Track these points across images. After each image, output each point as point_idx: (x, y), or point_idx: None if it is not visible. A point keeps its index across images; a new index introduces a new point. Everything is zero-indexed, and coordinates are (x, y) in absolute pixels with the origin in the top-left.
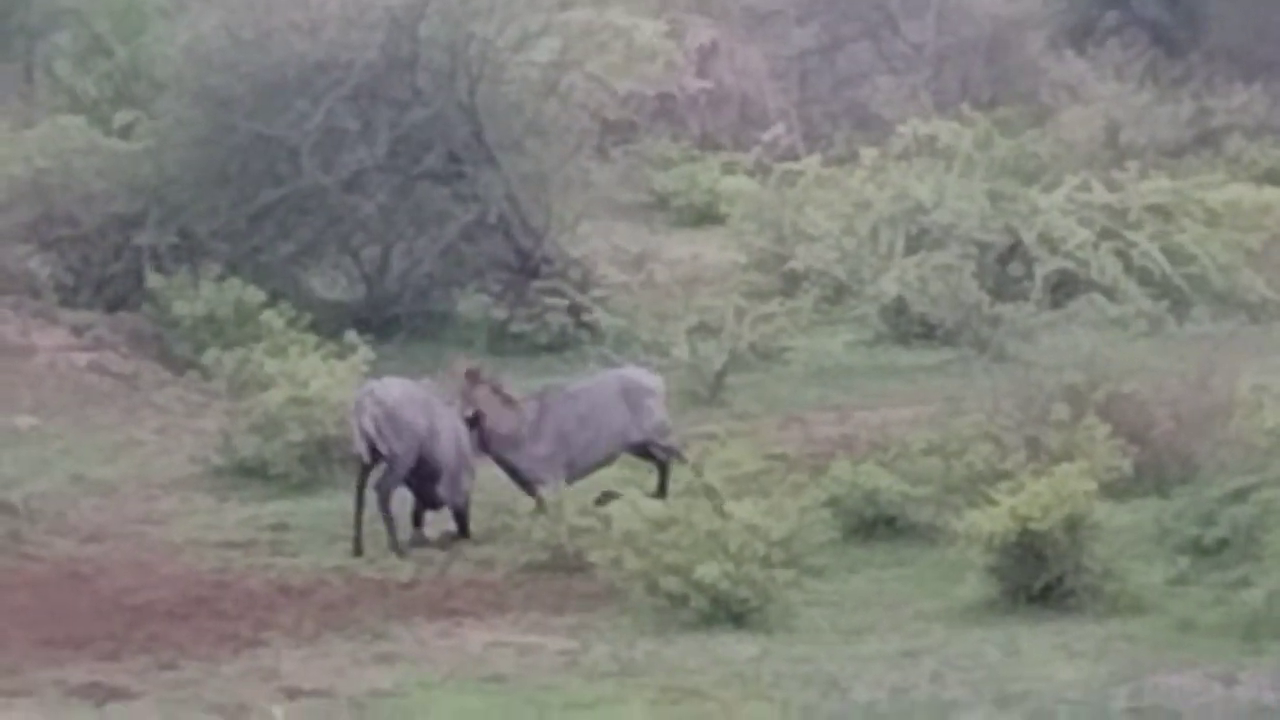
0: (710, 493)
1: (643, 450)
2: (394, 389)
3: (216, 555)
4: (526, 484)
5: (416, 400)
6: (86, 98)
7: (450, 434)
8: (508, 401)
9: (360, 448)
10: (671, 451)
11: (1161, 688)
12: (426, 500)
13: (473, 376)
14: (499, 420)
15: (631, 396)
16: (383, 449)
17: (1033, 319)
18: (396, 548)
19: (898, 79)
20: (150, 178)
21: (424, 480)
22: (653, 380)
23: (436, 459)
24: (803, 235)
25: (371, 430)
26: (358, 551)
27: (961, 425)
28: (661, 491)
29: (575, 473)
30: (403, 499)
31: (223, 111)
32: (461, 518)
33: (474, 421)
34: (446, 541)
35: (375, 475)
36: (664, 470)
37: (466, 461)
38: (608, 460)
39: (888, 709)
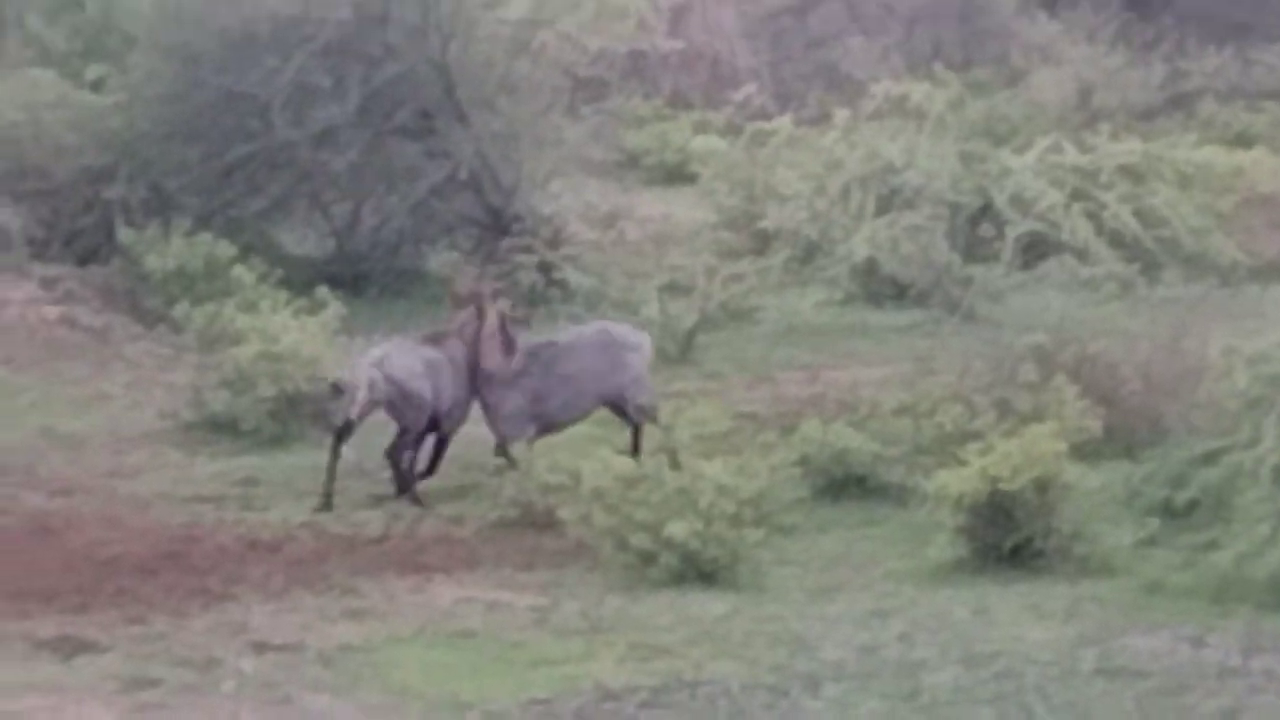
0: (671, 457)
1: (619, 407)
2: (403, 363)
3: (186, 510)
4: (497, 431)
5: (421, 368)
6: (57, 51)
7: (449, 389)
8: (507, 344)
9: (354, 413)
10: (644, 411)
11: (1130, 649)
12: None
13: (482, 302)
14: (489, 358)
15: (612, 351)
16: (397, 421)
17: (1003, 280)
18: (416, 499)
19: (870, 39)
20: (121, 132)
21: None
22: (636, 337)
23: (441, 414)
24: (774, 195)
25: (384, 405)
26: (327, 506)
27: (932, 386)
28: (635, 451)
29: (548, 428)
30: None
31: (193, 67)
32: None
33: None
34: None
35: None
36: (636, 430)
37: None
38: (583, 415)
39: (856, 668)
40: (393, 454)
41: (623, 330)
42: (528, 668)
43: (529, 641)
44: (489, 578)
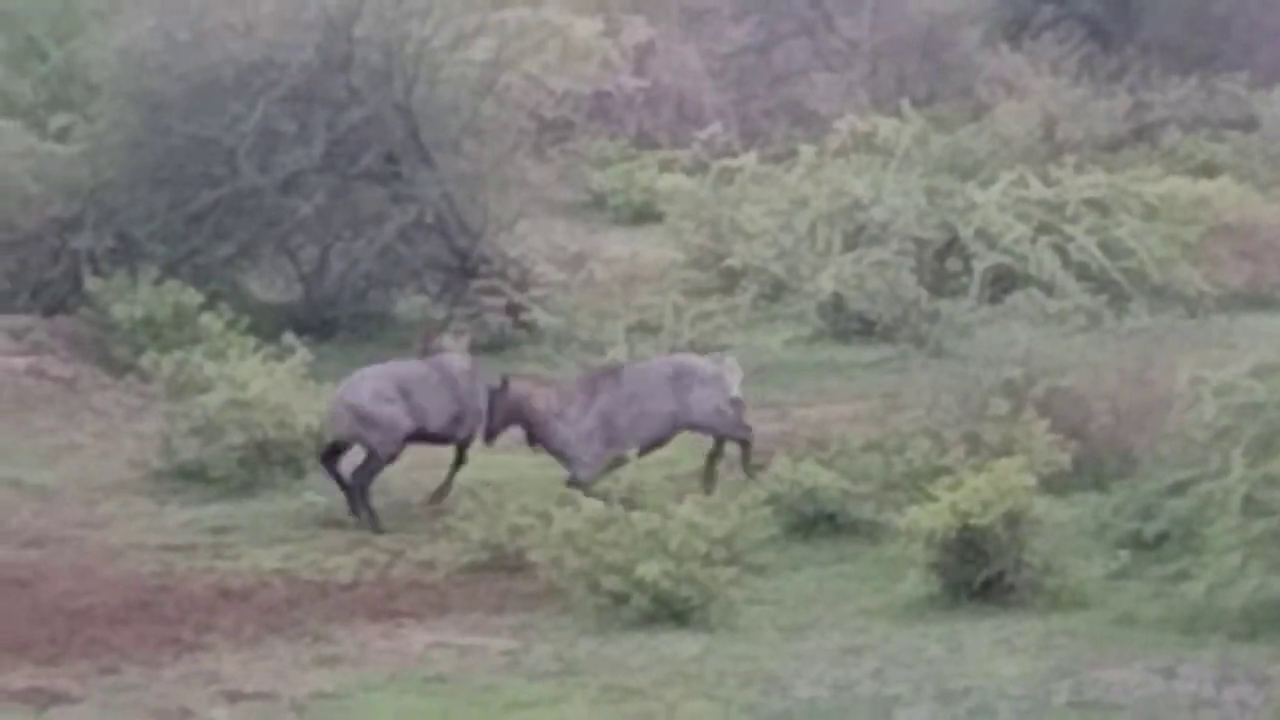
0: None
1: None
2: (364, 388)
3: (157, 559)
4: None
5: (392, 391)
6: (22, 101)
7: (439, 403)
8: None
9: (328, 438)
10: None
11: (1102, 682)
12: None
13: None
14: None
15: (682, 381)
16: (364, 447)
17: (971, 314)
18: (377, 527)
19: (834, 76)
20: (87, 181)
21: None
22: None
23: (435, 432)
24: (740, 232)
25: (345, 435)
26: (376, 529)
27: (900, 421)
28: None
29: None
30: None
31: (158, 114)
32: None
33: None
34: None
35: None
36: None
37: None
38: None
39: (830, 706)
40: (356, 477)
41: (689, 361)
42: (501, 712)
43: (501, 685)
44: (460, 622)
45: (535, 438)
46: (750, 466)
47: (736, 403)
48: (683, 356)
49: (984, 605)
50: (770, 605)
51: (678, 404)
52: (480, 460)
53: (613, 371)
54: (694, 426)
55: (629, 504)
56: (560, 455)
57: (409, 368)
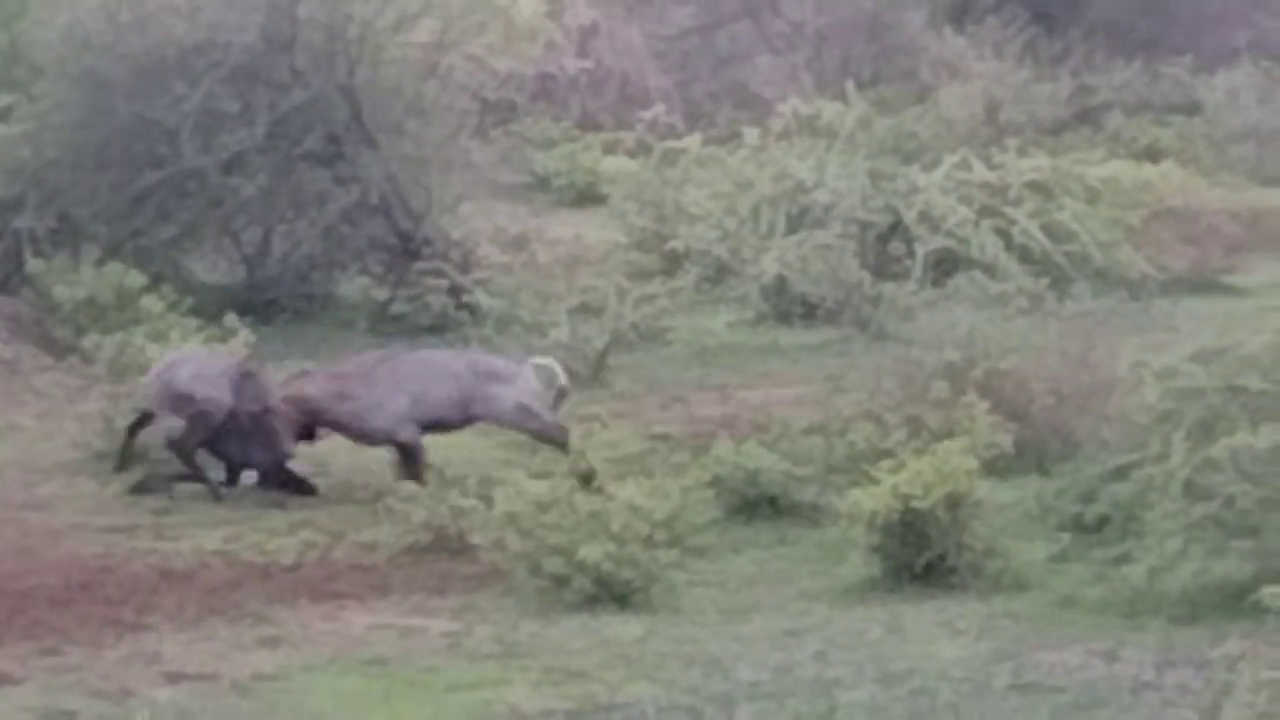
0: (582, 479)
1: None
2: (183, 368)
3: (99, 540)
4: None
5: (209, 374)
6: None
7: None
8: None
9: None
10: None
11: (1043, 664)
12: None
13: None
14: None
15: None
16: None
17: (913, 297)
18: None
19: (778, 58)
20: (29, 161)
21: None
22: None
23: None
24: (684, 215)
25: (155, 407)
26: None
27: (843, 404)
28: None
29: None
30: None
31: (101, 94)
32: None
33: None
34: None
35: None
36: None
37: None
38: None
39: (771, 688)
40: (176, 446)
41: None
42: (442, 693)
43: (442, 667)
44: (402, 604)
45: (319, 426)
46: (581, 471)
47: (562, 394)
48: (477, 353)
49: (925, 588)
50: (712, 588)
51: (463, 394)
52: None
53: (389, 358)
54: (487, 419)
55: (585, 481)
56: (360, 430)
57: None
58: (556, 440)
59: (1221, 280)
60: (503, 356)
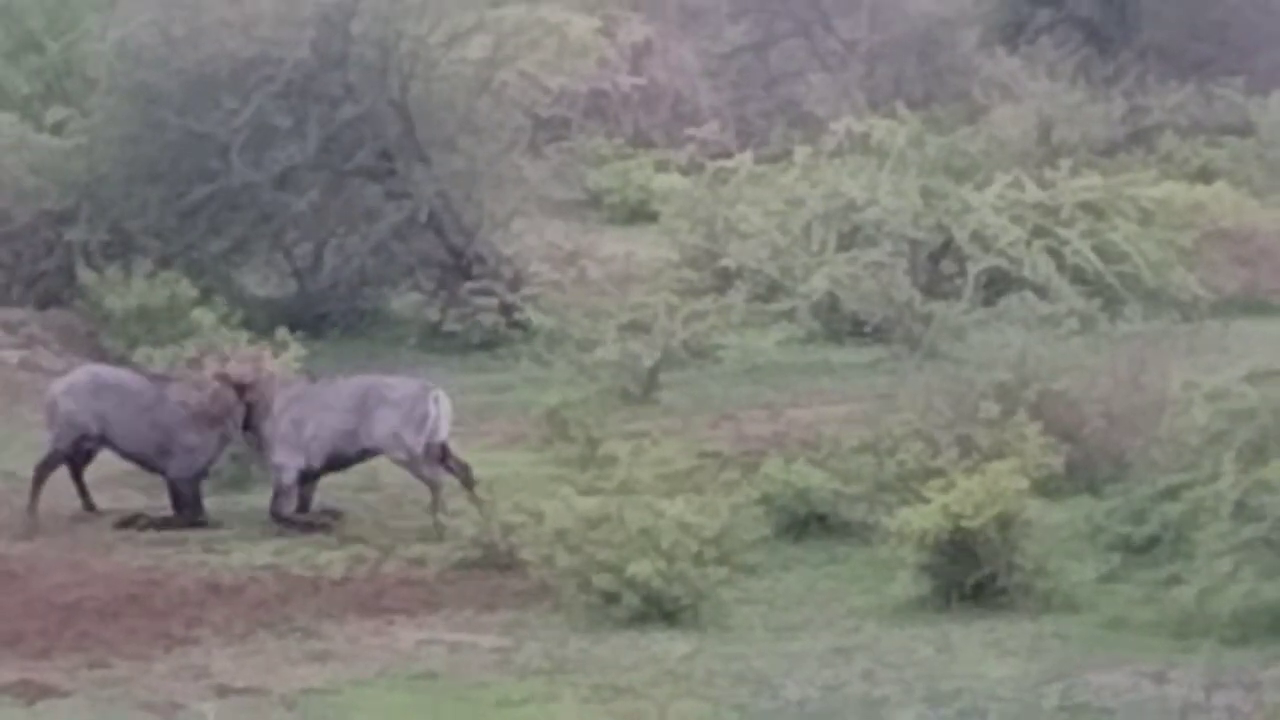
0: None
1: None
2: (63, 381)
3: (148, 553)
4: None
5: (85, 388)
6: (18, 94)
7: (142, 418)
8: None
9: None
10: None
11: (1093, 685)
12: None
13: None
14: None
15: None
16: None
17: (964, 317)
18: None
19: (831, 76)
20: (82, 174)
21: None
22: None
23: (118, 444)
24: (735, 233)
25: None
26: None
27: (893, 423)
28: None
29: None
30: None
31: (154, 108)
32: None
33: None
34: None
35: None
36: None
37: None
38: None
39: (819, 706)
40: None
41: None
42: (490, 709)
43: (491, 682)
44: (451, 619)
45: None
46: (438, 516)
47: (437, 446)
48: (376, 377)
49: (975, 607)
50: (761, 605)
51: (358, 423)
52: (473, 459)
53: (313, 380)
54: (375, 449)
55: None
56: (267, 455)
57: (123, 377)
58: (426, 480)
59: (1273, 302)
60: (404, 380)
